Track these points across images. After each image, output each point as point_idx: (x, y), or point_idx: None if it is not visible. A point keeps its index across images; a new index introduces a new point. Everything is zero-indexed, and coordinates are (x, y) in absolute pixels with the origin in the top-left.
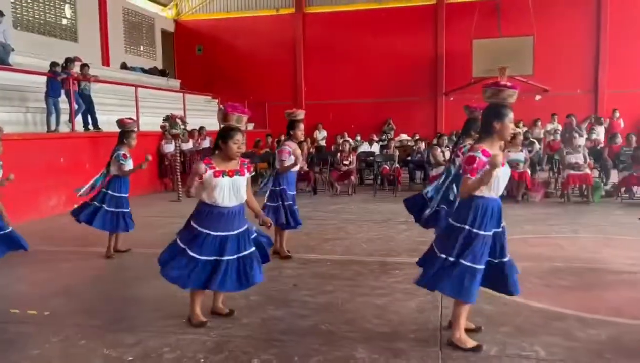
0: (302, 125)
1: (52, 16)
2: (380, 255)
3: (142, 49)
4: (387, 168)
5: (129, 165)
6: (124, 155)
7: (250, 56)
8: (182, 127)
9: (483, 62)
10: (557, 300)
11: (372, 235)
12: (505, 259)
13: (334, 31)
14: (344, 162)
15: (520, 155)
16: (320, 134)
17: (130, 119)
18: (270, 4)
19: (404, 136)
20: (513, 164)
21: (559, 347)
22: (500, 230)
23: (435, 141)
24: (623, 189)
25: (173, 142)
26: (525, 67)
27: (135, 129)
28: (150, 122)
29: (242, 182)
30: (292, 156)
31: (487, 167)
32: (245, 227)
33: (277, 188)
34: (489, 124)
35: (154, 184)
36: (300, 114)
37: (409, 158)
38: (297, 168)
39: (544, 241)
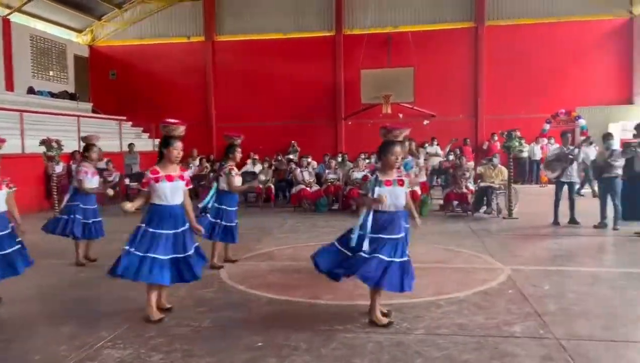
0: (239, 148)
1: None
2: None
3: (52, 73)
4: (260, 186)
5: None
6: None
7: (164, 81)
8: (57, 150)
9: (370, 90)
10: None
11: None
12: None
13: (242, 58)
14: None
15: (363, 174)
16: None
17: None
18: (182, 32)
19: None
20: (354, 183)
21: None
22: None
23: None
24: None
25: (61, 164)
26: (407, 95)
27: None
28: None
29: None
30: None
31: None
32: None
33: (218, 205)
34: (381, 155)
35: (40, 203)
36: (238, 139)
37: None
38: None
39: None
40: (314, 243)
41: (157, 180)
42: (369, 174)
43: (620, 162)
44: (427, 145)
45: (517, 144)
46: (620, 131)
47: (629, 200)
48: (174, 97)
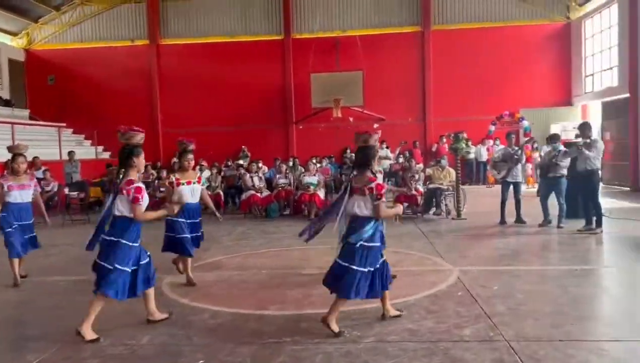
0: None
1: None
2: None
3: None
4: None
5: None
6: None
7: (106, 86)
8: None
9: (320, 94)
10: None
11: None
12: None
13: (189, 62)
14: None
15: (314, 178)
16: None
17: None
18: (125, 35)
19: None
20: (305, 187)
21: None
22: None
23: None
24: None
25: None
26: (357, 99)
27: None
28: None
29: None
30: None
31: None
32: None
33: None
34: None
35: None
36: (190, 145)
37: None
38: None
39: (282, 253)
40: (264, 250)
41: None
42: (387, 184)
43: (565, 162)
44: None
45: (464, 145)
46: (561, 132)
47: (571, 199)
48: (118, 103)
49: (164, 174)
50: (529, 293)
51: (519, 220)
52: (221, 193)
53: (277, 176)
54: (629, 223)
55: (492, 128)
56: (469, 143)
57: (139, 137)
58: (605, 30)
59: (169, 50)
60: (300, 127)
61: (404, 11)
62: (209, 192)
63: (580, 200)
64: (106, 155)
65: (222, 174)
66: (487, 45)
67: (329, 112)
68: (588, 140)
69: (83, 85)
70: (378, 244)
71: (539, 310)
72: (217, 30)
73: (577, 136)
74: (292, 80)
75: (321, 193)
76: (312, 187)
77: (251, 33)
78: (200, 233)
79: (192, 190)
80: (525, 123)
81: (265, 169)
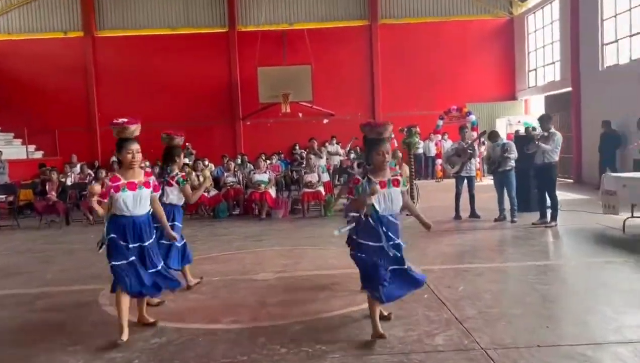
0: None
1: None
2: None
3: None
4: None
5: None
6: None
7: (38, 81)
8: None
9: (268, 88)
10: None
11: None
12: None
13: (128, 55)
14: None
15: (264, 176)
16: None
17: None
18: (58, 27)
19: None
20: (255, 185)
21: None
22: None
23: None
24: None
25: None
26: (306, 94)
27: None
28: None
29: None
30: None
31: None
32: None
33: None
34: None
35: None
36: (180, 138)
37: None
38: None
39: (234, 256)
40: (215, 254)
41: (117, 189)
42: (359, 177)
43: (514, 155)
44: (327, 144)
45: (417, 139)
46: (506, 126)
47: (524, 192)
48: (50, 99)
49: (103, 173)
50: (496, 294)
51: (473, 214)
52: None
53: (225, 174)
54: (579, 215)
55: (440, 122)
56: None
57: (130, 129)
58: (547, 25)
59: (106, 43)
60: (248, 123)
61: (351, 4)
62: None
63: (536, 193)
64: (39, 154)
65: None
66: (434, 40)
67: (277, 107)
68: (546, 133)
69: (11, 81)
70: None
71: (509, 313)
72: (158, 22)
73: (533, 129)
74: (239, 75)
75: (272, 191)
76: (263, 185)
77: (194, 25)
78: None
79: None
80: (473, 117)
81: (212, 166)
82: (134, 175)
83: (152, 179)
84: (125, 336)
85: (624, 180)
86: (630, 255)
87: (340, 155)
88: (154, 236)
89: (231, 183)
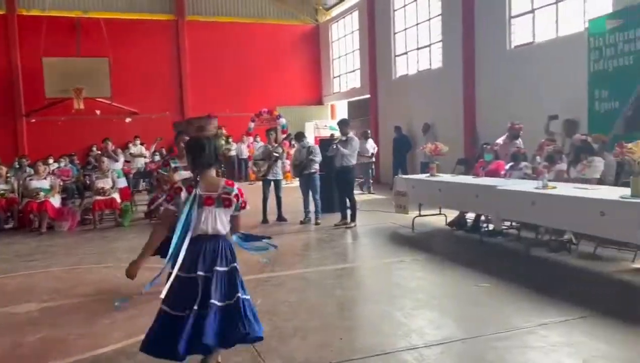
0: None
1: None
2: None
3: None
4: None
5: None
6: None
7: None
8: None
9: (57, 82)
10: None
11: None
12: None
13: None
14: None
15: (44, 182)
16: None
17: None
18: None
19: None
20: (33, 194)
21: None
22: None
23: None
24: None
25: None
26: (103, 90)
27: None
28: None
29: None
30: None
31: None
32: None
33: None
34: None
35: None
36: None
37: None
38: None
39: None
40: None
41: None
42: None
43: (319, 158)
44: (130, 145)
45: (223, 142)
46: (314, 129)
47: (328, 195)
48: None
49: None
50: (294, 305)
51: (280, 218)
52: None
53: None
54: (377, 215)
55: (252, 125)
56: (230, 140)
57: None
58: (348, 34)
59: None
60: (33, 120)
61: None
62: None
63: (337, 195)
64: None
65: None
66: (243, 41)
67: (69, 103)
68: (344, 138)
69: None
70: None
71: (305, 326)
72: None
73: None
74: (19, 65)
75: (55, 200)
76: (42, 193)
77: None
78: None
79: None
80: (283, 120)
81: None
82: None
83: None
84: None
85: (413, 182)
86: (419, 253)
87: (145, 157)
88: None
89: (2, 192)
